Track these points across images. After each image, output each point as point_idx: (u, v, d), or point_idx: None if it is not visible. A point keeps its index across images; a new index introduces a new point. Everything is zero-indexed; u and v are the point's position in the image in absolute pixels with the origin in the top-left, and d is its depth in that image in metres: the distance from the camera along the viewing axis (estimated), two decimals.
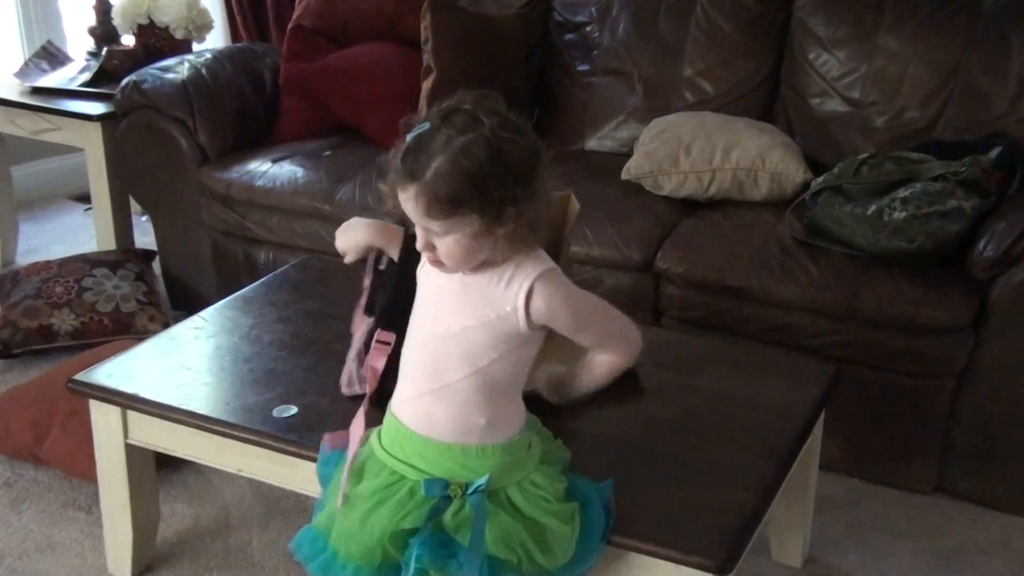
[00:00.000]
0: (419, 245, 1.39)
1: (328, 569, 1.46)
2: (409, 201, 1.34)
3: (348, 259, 1.75)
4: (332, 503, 1.49)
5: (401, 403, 1.47)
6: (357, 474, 1.48)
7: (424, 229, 1.37)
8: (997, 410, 2.20)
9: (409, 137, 1.33)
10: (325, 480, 1.56)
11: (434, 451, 1.42)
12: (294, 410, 1.76)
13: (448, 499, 1.41)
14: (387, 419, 1.49)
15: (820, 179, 2.46)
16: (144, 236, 3.33)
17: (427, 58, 2.85)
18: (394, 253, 1.69)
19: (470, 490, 1.41)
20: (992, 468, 2.24)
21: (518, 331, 1.40)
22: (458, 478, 1.42)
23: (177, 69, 2.96)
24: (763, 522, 1.68)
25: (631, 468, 1.63)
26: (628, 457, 1.67)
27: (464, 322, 1.40)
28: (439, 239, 1.36)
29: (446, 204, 1.31)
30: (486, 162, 1.31)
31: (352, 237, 1.73)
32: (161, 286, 3.06)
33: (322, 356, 1.92)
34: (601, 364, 1.55)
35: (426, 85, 2.84)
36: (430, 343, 1.43)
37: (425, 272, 1.47)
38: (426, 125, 1.33)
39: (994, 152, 2.42)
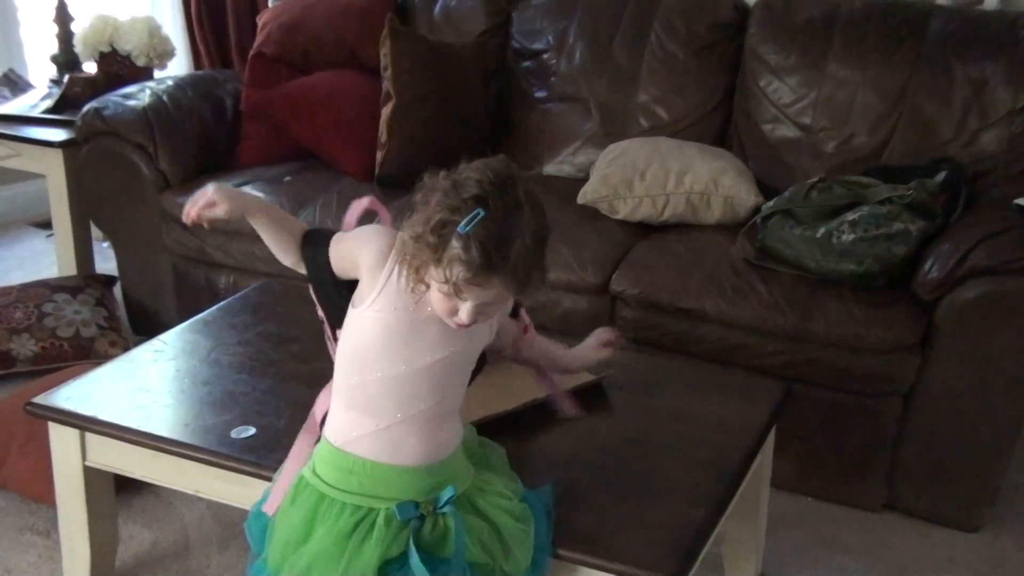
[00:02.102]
0: (459, 321, 1.35)
1: None
2: (486, 291, 1.31)
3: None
4: (280, 565, 1.45)
5: (357, 439, 1.44)
6: (306, 527, 1.44)
7: (476, 305, 1.33)
8: (944, 428, 2.25)
9: (468, 230, 1.27)
10: (256, 538, 1.54)
11: (400, 478, 1.43)
12: (252, 431, 1.78)
13: (422, 518, 1.43)
14: (330, 457, 1.46)
15: (771, 203, 2.52)
16: (106, 262, 3.33)
17: (387, 85, 2.89)
18: None
19: (441, 504, 1.43)
20: (940, 485, 2.30)
21: (483, 344, 1.45)
22: (423, 497, 1.44)
23: (138, 96, 2.98)
24: (714, 538, 1.71)
25: (585, 485, 1.66)
26: (582, 475, 1.70)
27: (438, 354, 1.40)
28: (485, 306, 1.35)
29: (526, 284, 1.32)
30: (547, 229, 1.34)
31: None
32: (122, 311, 3.07)
33: (281, 378, 1.94)
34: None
35: (386, 111, 2.88)
36: (401, 377, 1.40)
37: (372, 316, 1.41)
38: (479, 213, 1.27)
39: (940, 176, 2.50)
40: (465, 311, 1.33)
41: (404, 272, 1.36)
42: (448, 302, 1.33)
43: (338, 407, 1.47)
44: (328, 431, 1.48)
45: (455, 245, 1.28)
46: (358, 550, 1.40)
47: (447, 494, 1.43)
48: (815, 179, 2.52)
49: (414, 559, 1.39)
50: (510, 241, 1.29)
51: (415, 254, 1.32)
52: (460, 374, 1.46)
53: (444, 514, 1.43)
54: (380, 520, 1.41)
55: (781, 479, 2.31)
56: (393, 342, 1.40)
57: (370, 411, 1.43)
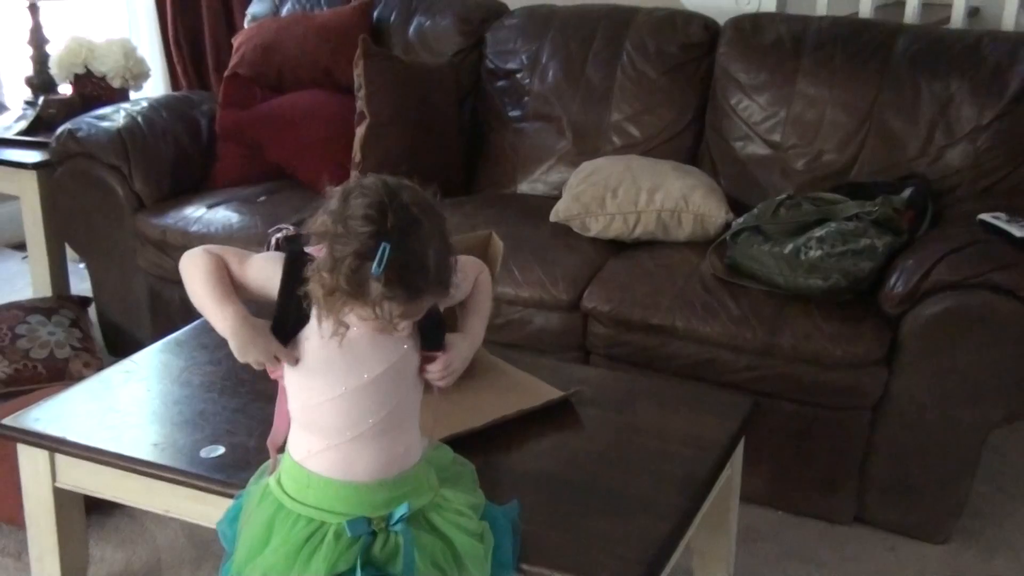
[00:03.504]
0: (379, 328, 1.36)
1: None
2: (420, 308, 1.34)
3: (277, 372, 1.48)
4: (243, 567, 1.47)
5: (310, 455, 1.45)
6: (264, 533, 1.46)
7: (399, 318, 1.33)
8: (910, 441, 2.28)
9: (381, 269, 1.26)
10: (229, 540, 1.55)
11: (354, 493, 1.44)
12: (221, 450, 1.79)
13: (373, 534, 1.44)
14: (291, 469, 1.48)
15: (740, 219, 2.55)
16: (82, 283, 3.33)
17: (360, 105, 2.91)
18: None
19: (393, 521, 1.44)
20: (907, 498, 2.32)
21: (415, 348, 1.45)
22: (378, 512, 1.44)
23: (113, 117, 2.99)
24: (682, 551, 1.73)
25: (552, 500, 1.68)
26: (549, 490, 1.71)
27: (377, 369, 1.41)
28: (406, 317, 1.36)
29: (449, 284, 1.35)
30: (443, 221, 1.35)
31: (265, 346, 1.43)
32: (97, 332, 3.07)
33: (252, 397, 1.95)
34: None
35: (360, 131, 2.90)
36: (343, 398, 1.41)
37: (314, 338, 1.41)
38: (385, 248, 1.26)
39: (906, 192, 2.53)
40: (403, 327, 1.36)
41: (319, 317, 1.36)
42: (383, 324, 1.34)
43: (294, 426, 1.49)
44: (289, 445, 1.50)
45: (375, 286, 1.28)
46: (307, 564, 1.41)
47: (400, 511, 1.43)
48: (784, 196, 2.56)
49: None
50: (424, 258, 1.30)
51: (328, 303, 1.32)
52: (403, 385, 1.45)
53: (396, 531, 1.43)
54: (330, 535, 1.42)
55: (752, 493, 2.33)
56: (329, 367, 1.41)
57: (319, 431, 1.45)
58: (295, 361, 1.42)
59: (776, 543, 2.31)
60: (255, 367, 1.44)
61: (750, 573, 2.20)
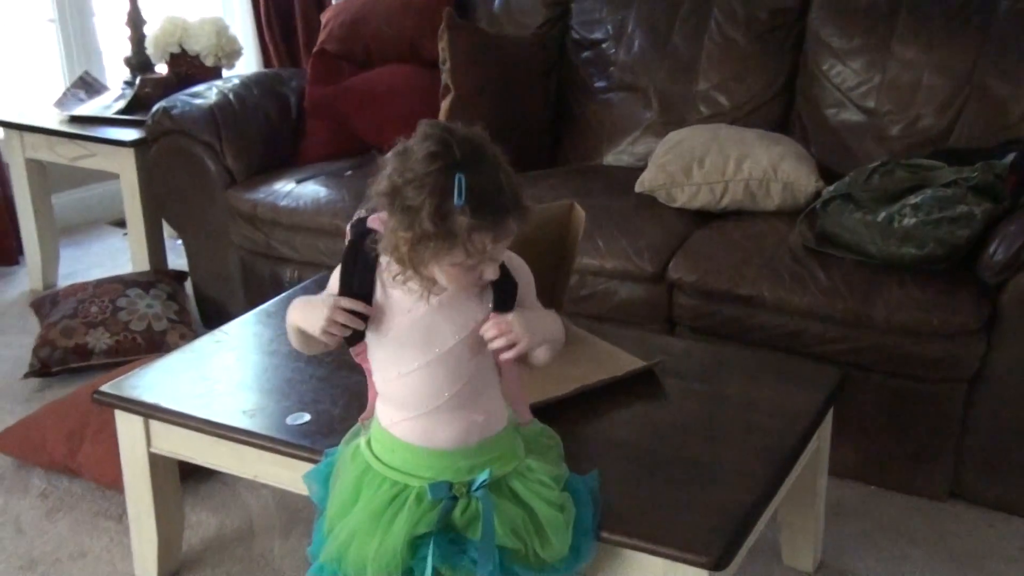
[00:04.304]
0: (481, 278, 1.37)
1: None
2: (507, 236, 1.34)
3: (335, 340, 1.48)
4: (335, 523, 1.50)
5: (394, 424, 1.48)
6: (354, 491, 1.49)
7: (492, 246, 1.34)
8: (1010, 414, 2.20)
9: (463, 199, 1.28)
10: (321, 499, 1.58)
11: (437, 459, 1.46)
12: (307, 417, 1.82)
13: (455, 499, 1.45)
14: (378, 433, 1.51)
15: (831, 187, 2.48)
16: (179, 259, 3.43)
17: (445, 78, 2.92)
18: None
19: (474, 487, 1.45)
20: (1007, 472, 2.24)
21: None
22: (461, 478, 1.46)
23: (205, 95, 3.05)
24: (766, 523, 1.71)
25: (633, 470, 1.67)
26: (631, 460, 1.70)
27: (453, 340, 1.42)
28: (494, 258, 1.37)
29: (525, 206, 1.35)
30: (498, 148, 1.36)
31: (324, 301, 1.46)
32: (192, 305, 3.15)
33: (336, 367, 1.97)
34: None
35: (444, 104, 2.90)
36: (417, 373, 1.43)
37: (392, 309, 1.43)
38: (460, 178, 1.28)
39: (1009, 157, 2.43)
40: (492, 268, 1.37)
41: (398, 284, 1.38)
42: (471, 274, 1.36)
43: (379, 397, 1.52)
44: (376, 411, 1.53)
45: (461, 220, 1.29)
46: (390, 526, 1.44)
47: (482, 477, 1.44)
48: (877, 163, 2.48)
49: (431, 546, 1.41)
50: (498, 179, 1.32)
51: (414, 259, 1.33)
52: (477, 358, 1.45)
53: (477, 497, 1.44)
54: (412, 498, 1.44)
55: (842, 467, 2.29)
56: (402, 346, 1.43)
57: (398, 404, 1.47)
58: (364, 307, 1.42)
59: (868, 518, 2.26)
60: (335, 332, 1.44)
61: (840, 548, 2.15)
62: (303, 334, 1.50)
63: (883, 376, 2.28)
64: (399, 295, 1.43)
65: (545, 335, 1.46)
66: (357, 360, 1.53)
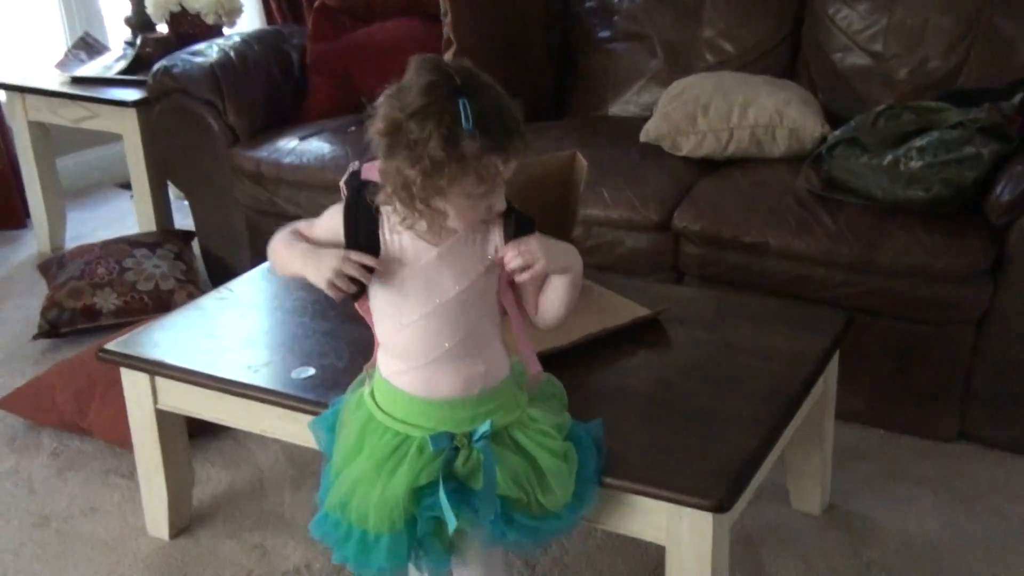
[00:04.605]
0: (491, 210, 1.36)
1: (363, 552, 1.47)
2: (513, 160, 1.32)
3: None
4: (340, 470, 1.51)
5: (395, 374, 1.48)
6: (358, 440, 1.49)
7: (504, 167, 1.32)
8: (1017, 355, 2.19)
9: (471, 122, 1.27)
10: (328, 446, 1.58)
11: (438, 410, 1.46)
12: (312, 371, 1.83)
13: (456, 449, 1.45)
14: (380, 383, 1.50)
15: (837, 132, 2.46)
16: (185, 219, 3.43)
17: (447, 31, 2.89)
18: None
19: (476, 437, 1.45)
20: (1016, 413, 2.24)
21: (497, 274, 1.43)
22: (463, 428, 1.46)
23: (206, 53, 3.04)
24: (773, 468, 1.71)
25: (637, 417, 1.68)
26: (635, 407, 1.71)
27: (453, 291, 1.41)
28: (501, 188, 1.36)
29: (524, 132, 1.33)
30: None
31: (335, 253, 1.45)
32: (200, 264, 3.16)
33: (340, 320, 1.97)
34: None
35: (447, 57, 2.88)
36: (417, 323, 1.42)
37: (396, 259, 1.42)
38: (464, 102, 1.27)
39: (1017, 97, 2.40)
40: (500, 197, 1.36)
41: (405, 229, 1.37)
42: (479, 205, 1.34)
43: (380, 348, 1.51)
44: (379, 361, 1.52)
45: (470, 144, 1.27)
46: (391, 476, 1.44)
47: (483, 428, 1.44)
48: (883, 106, 2.45)
49: (441, 491, 1.41)
50: (500, 100, 1.31)
51: (422, 195, 1.31)
52: (478, 308, 1.44)
53: (478, 448, 1.44)
54: (413, 448, 1.44)
55: (851, 412, 2.29)
56: (403, 296, 1.42)
57: (399, 355, 1.47)
58: (373, 260, 1.40)
59: (877, 461, 2.26)
60: (341, 286, 1.43)
61: (850, 491, 2.16)
62: (288, 262, 1.49)
63: (890, 320, 2.27)
64: (404, 243, 1.41)
65: (564, 263, 1.43)
66: (360, 311, 1.52)
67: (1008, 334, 2.18)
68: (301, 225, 1.53)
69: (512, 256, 1.38)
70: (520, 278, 1.41)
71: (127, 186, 3.87)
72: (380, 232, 1.42)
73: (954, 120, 2.32)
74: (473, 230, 1.40)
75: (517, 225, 1.42)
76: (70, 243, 3.53)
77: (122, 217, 3.80)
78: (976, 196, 2.24)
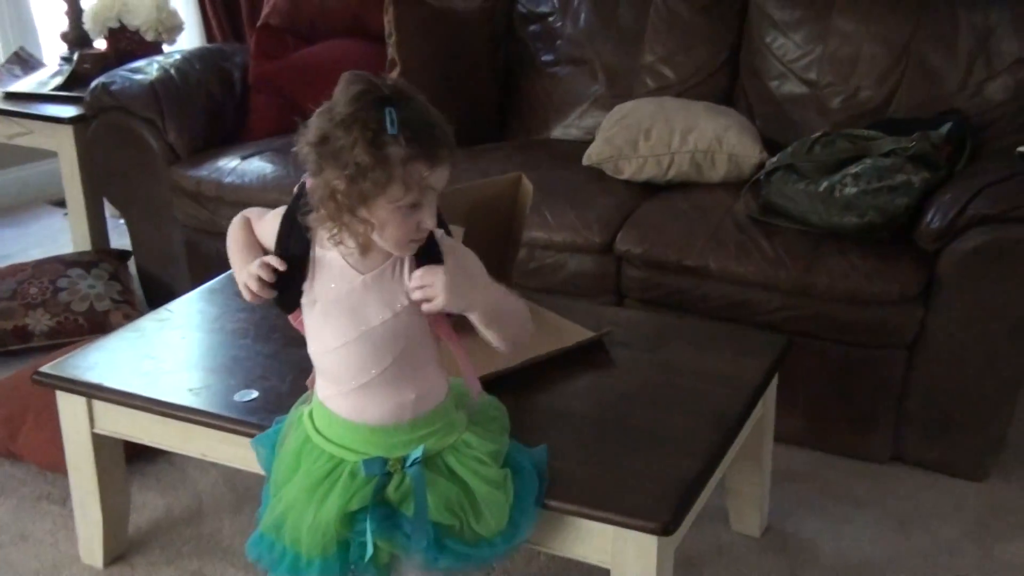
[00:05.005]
0: (425, 228, 1.34)
1: (296, 574, 1.47)
2: (442, 174, 1.32)
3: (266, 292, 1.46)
4: (278, 489, 1.51)
5: (327, 397, 1.48)
6: (295, 459, 1.49)
7: (428, 175, 1.31)
8: (948, 379, 2.24)
9: (396, 127, 1.26)
10: (268, 464, 1.58)
11: (369, 435, 1.46)
12: (255, 394, 1.81)
13: (389, 474, 1.45)
14: (316, 404, 1.50)
15: (774, 158, 2.51)
16: (121, 238, 3.37)
17: (391, 51, 2.90)
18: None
19: (408, 463, 1.45)
20: (946, 435, 2.29)
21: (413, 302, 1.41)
22: (395, 454, 1.46)
23: (146, 70, 3.00)
24: (714, 490, 1.73)
25: (581, 440, 1.68)
26: (579, 430, 1.71)
27: (377, 319, 1.40)
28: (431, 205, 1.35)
29: (454, 147, 1.33)
30: None
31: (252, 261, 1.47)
32: (136, 285, 3.11)
33: (284, 343, 1.96)
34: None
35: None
36: (346, 347, 1.42)
37: (321, 285, 1.43)
38: (391, 110, 1.27)
39: (945, 127, 2.47)
40: (430, 213, 1.34)
41: (334, 240, 1.35)
42: (409, 220, 1.32)
43: (315, 368, 1.52)
44: (316, 382, 1.53)
45: (395, 150, 1.27)
46: (323, 500, 1.44)
47: (415, 454, 1.44)
48: (819, 134, 2.51)
49: (368, 519, 1.42)
50: (428, 114, 1.31)
51: (348, 204, 1.30)
52: (407, 336, 1.42)
53: (410, 473, 1.44)
54: (346, 473, 1.45)
55: (788, 434, 2.32)
56: (328, 320, 1.43)
57: (330, 378, 1.48)
58: (279, 261, 1.41)
59: (813, 482, 2.30)
60: (252, 288, 1.44)
61: (787, 512, 2.19)
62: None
63: (826, 343, 2.32)
64: (333, 264, 1.40)
65: (467, 303, 1.39)
66: (296, 327, 1.53)
67: (937, 358, 2.24)
68: (253, 214, 1.55)
69: (414, 287, 1.38)
70: (425, 309, 1.39)
71: (61, 204, 3.81)
72: (312, 249, 1.42)
73: (886, 148, 2.38)
74: (398, 258, 1.40)
75: (427, 255, 1.38)
76: (1, 262, 3.45)
77: (55, 235, 3.74)
78: (908, 222, 2.30)
